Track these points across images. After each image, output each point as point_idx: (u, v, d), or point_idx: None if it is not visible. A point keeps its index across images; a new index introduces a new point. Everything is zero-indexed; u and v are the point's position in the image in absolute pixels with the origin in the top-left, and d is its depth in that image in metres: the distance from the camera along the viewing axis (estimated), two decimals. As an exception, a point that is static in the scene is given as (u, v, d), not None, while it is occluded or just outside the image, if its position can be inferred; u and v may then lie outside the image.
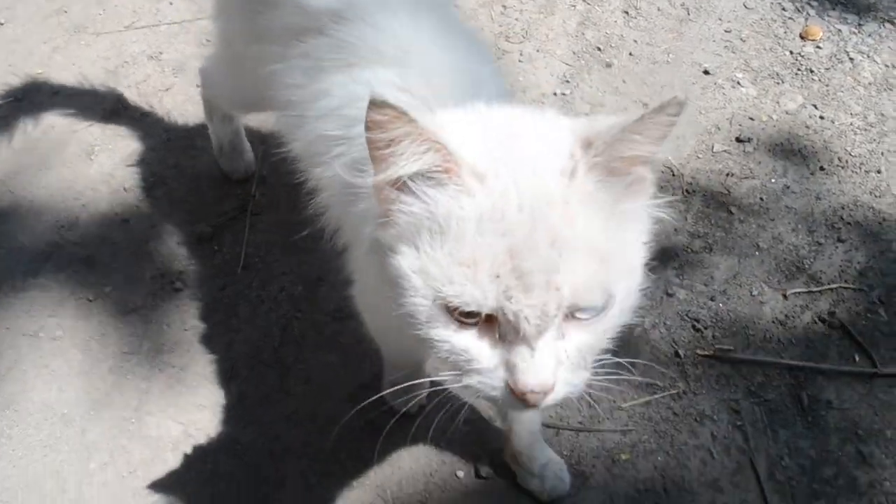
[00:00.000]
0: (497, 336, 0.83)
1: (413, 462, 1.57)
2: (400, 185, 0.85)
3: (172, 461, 1.58)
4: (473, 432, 1.58)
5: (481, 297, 0.81)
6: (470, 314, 0.82)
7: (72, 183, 1.97)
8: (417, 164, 0.82)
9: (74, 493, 1.55)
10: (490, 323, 0.83)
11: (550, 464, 1.53)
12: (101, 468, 1.57)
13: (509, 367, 0.83)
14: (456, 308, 0.82)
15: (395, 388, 1.45)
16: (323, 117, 1.15)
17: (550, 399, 0.85)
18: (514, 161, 0.84)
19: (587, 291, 0.82)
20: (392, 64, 1.14)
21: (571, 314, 0.84)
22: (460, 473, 1.57)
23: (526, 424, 1.48)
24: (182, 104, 2.11)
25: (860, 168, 2.05)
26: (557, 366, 0.84)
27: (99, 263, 1.84)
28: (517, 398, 0.83)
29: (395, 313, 0.87)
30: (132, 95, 2.13)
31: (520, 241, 0.80)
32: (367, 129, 0.81)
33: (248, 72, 1.40)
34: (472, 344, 0.84)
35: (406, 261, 0.84)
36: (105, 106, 2.11)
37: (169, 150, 2.03)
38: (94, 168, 1.99)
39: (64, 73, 2.18)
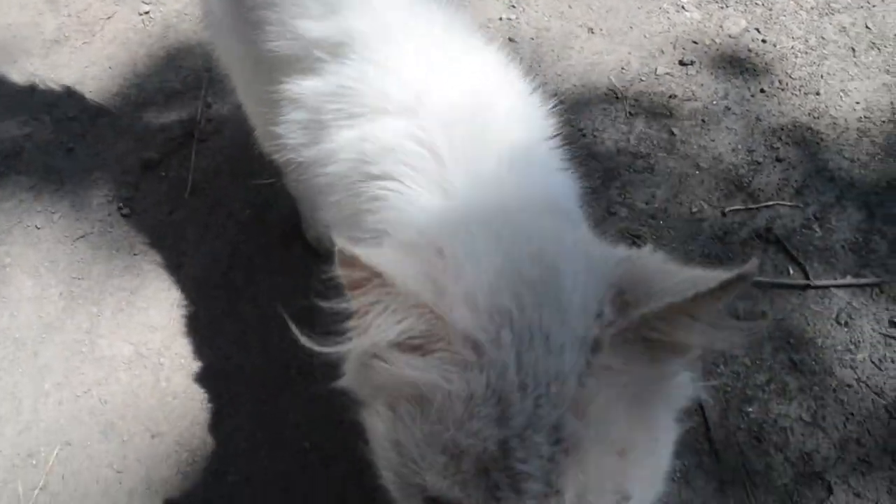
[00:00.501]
0: None
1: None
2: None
3: (125, 380, 1.61)
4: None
5: (463, 496, 0.67)
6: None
7: (16, 109, 1.94)
8: (395, 331, 0.68)
9: (30, 414, 1.57)
10: None
11: None
12: (55, 388, 1.60)
13: None
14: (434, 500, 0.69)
15: None
16: (332, 185, 0.98)
17: None
18: (523, 322, 0.67)
19: (597, 496, 0.67)
20: (403, 112, 0.95)
21: None
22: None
23: None
24: (124, 32, 2.09)
25: (800, 90, 2.09)
26: None
27: (45, 192, 1.84)
28: None
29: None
30: (73, 24, 2.09)
31: (517, 432, 0.65)
32: (341, 284, 0.68)
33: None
34: None
35: (381, 425, 0.73)
36: (45, 36, 2.07)
37: (112, 78, 2.01)
38: (35, 98, 1.97)
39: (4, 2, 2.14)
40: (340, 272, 0.67)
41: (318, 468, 1.54)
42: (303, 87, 1.02)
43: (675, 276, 0.69)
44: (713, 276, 0.65)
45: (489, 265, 0.71)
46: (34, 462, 1.53)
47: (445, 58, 1.00)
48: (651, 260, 0.72)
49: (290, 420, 1.59)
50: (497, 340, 0.67)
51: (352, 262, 0.65)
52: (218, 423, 1.57)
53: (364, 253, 0.65)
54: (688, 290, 0.64)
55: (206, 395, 1.60)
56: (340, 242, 0.65)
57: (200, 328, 1.67)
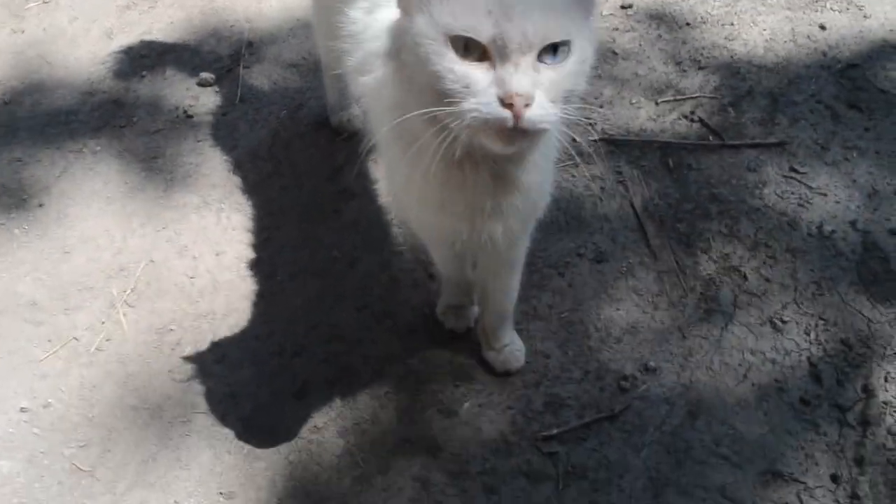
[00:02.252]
0: (488, 67, 1.03)
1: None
2: None
3: (195, 219, 2.09)
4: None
5: (478, 25, 1.00)
6: (468, 49, 1.02)
7: (97, 54, 2.50)
8: None
9: (121, 243, 2.05)
10: (483, 61, 1.03)
11: (511, 344, 1.78)
12: (140, 226, 2.08)
13: (498, 83, 1.01)
14: (459, 39, 1.02)
15: (447, 311, 1.84)
16: (372, 39, 1.31)
17: (531, 114, 1.02)
18: None
19: (552, 30, 1.02)
20: None
21: (542, 59, 1.03)
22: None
23: (497, 307, 1.74)
24: (181, 0, 2.66)
25: (718, 23, 2.64)
26: (535, 84, 1.01)
27: (126, 105, 2.36)
28: (506, 108, 1.00)
29: (412, 82, 1.09)
30: (140, -5, 2.68)
31: None
32: None
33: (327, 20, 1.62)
34: (471, 71, 1.03)
35: (420, 19, 1.05)
36: (118, 3, 2.66)
37: (173, 29, 2.57)
38: (114, 44, 2.52)
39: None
40: None
41: (345, 268, 2.01)
42: None
43: None
44: None
45: None
46: (125, 273, 1.99)
47: None
48: None
49: (325, 240, 2.06)
50: None
51: None
52: (267, 242, 2.04)
53: None
54: None
55: (258, 226, 2.08)
56: None
57: (251, 184, 2.16)
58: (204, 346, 1.85)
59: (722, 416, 1.75)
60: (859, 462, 1.68)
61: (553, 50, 1.04)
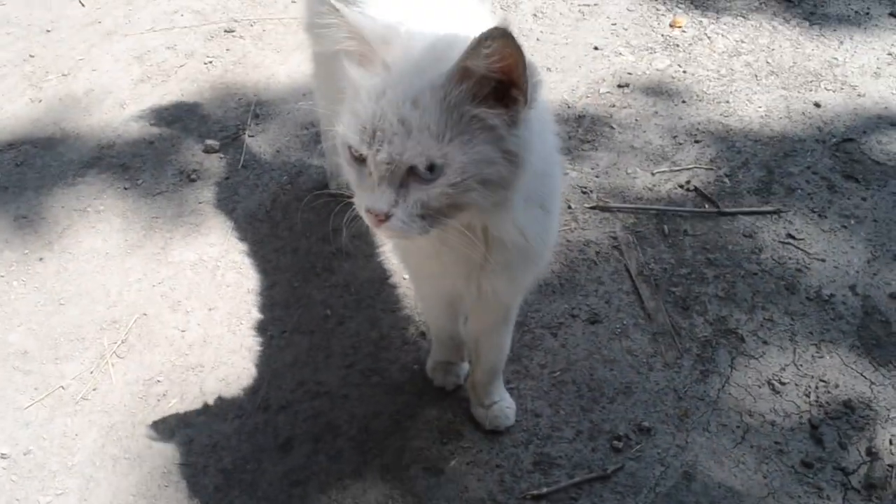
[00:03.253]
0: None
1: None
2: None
3: (190, 275, 2.10)
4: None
5: (357, 142, 1.12)
6: (360, 157, 1.14)
7: (109, 122, 2.58)
8: (343, 43, 1.16)
9: (116, 297, 2.06)
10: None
11: (501, 401, 1.76)
12: (136, 282, 2.09)
13: (364, 196, 1.15)
14: (349, 147, 1.14)
15: (436, 367, 1.84)
16: None
17: (388, 226, 1.13)
18: (414, 67, 1.11)
19: (418, 157, 1.09)
20: None
21: (414, 175, 1.11)
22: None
23: (488, 363, 1.72)
24: (193, 74, 2.77)
25: (713, 100, 2.70)
26: (393, 203, 1.12)
27: (132, 168, 2.42)
28: (367, 215, 1.15)
29: None
30: (154, 70, 2.79)
31: (384, 110, 1.09)
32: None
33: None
34: (356, 176, 1.17)
35: (347, 105, 1.18)
36: (132, 77, 2.77)
37: (183, 101, 2.66)
38: (126, 113, 2.61)
39: (100, 60, 2.86)
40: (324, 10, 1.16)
41: (335, 326, 2.00)
42: None
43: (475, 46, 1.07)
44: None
45: (419, 46, 1.16)
46: (117, 326, 1.99)
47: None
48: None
49: (317, 299, 2.06)
50: (398, 66, 1.11)
51: (333, 9, 1.14)
52: (260, 299, 2.05)
53: (342, 7, 1.14)
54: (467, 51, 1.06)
55: (251, 283, 2.09)
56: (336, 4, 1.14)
57: (248, 244, 2.18)
58: (190, 398, 1.83)
59: (719, 479, 1.69)
60: (864, 527, 1.60)
61: (430, 168, 1.11)
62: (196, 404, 1.82)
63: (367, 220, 1.15)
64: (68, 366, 1.91)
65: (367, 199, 1.14)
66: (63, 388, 1.86)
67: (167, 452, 1.74)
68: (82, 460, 1.73)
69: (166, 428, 1.78)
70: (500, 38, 1.03)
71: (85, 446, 1.76)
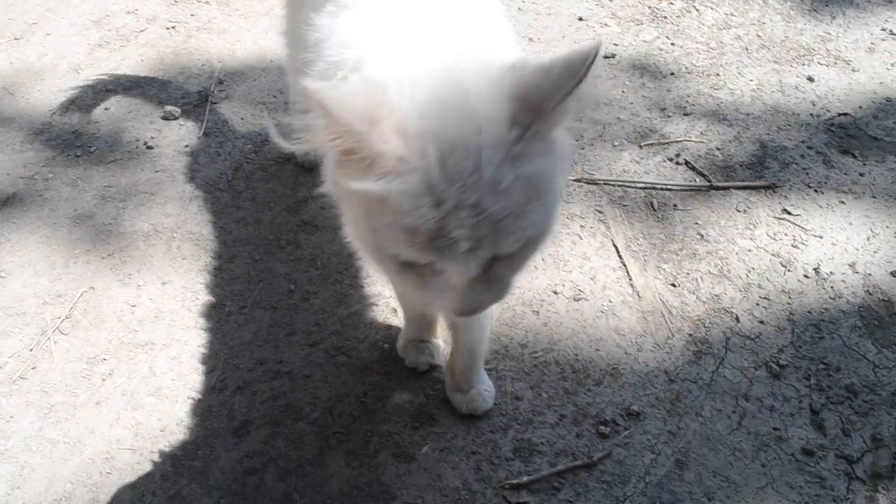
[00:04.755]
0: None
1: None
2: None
3: (143, 247, 1.94)
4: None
5: (420, 257, 0.93)
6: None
7: (62, 87, 2.41)
8: (330, 144, 0.90)
9: (62, 269, 1.89)
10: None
11: (480, 384, 1.60)
12: (84, 253, 1.92)
13: (447, 297, 0.98)
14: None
15: (407, 345, 1.66)
16: (334, 46, 1.21)
17: (484, 310, 1.04)
18: (445, 137, 0.88)
19: (508, 246, 0.93)
20: None
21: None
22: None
23: (467, 349, 1.56)
24: (154, 39, 2.60)
25: (703, 73, 2.57)
26: (482, 294, 0.98)
27: (84, 135, 2.25)
28: (458, 313, 1.01)
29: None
30: (112, 35, 2.61)
31: (450, 210, 0.88)
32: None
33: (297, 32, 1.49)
34: (415, 280, 0.99)
35: (361, 218, 0.96)
36: (89, 41, 2.59)
37: (143, 67, 2.49)
38: (80, 78, 2.44)
39: (55, 24, 2.67)
40: (302, 101, 0.89)
41: (300, 302, 1.84)
42: None
43: (551, 71, 0.89)
44: (579, 58, 0.87)
45: (419, 98, 0.91)
46: (62, 300, 1.82)
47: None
48: (528, 65, 0.91)
49: (280, 273, 1.90)
50: (423, 153, 0.87)
51: (306, 93, 0.86)
52: (219, 272, 1.89)
53: (312, 85, 0.86)
54: (570, 81, 0.87)
55: (209, 256, 1.92)
56: (305, 81, 0.87)
57: (207, 215, 2.02)
58: (138, 377, 1.67)
59: (714, 467, 1.56)
60: (870, 518, 1.48)
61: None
62: (145, 384, 1.66)
63: (453, 313, 1.02)
64: (5, 342, 1.74)
65: (459, 302, 0.98)
66: (-1, 366, 1.69)
67: (111, 436, 1.57)
68: (16, 444, 1.57)
69: (111, 410, 1.62)
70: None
71: (21, 429, 1.59)
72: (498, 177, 0.89)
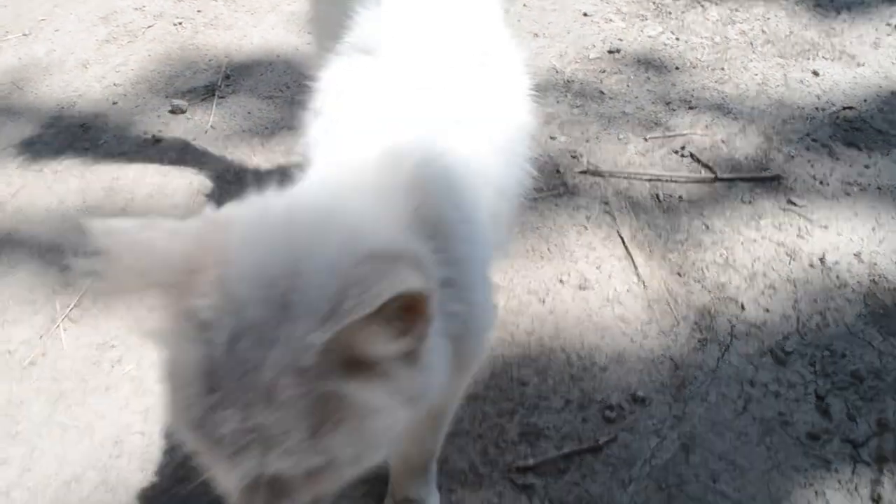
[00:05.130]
0: None
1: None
2: None
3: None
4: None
5: (189, 442, 0.78)
6: None
7: (70, 82, 2.43)
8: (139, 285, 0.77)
9: (70, 259, 1.91)
10: None
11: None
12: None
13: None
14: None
15: None
16: None
17: None
18: (246, 313, 0.73)
19: (287, 468, 0.75)
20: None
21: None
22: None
23: (408, 456, 1.36)
24: (161, 35, 2.62)
25: (707, 67, 2.59)
26: None
27: (93, 128, 2.27)
28: None
29: None
30: (120, 31, 2.64)
31: (216, 404, 0.73)
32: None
33: None
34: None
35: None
36: (97, 37, 2.61)
37: (150, 61, 2.51)
38: (88, 73, 2.46)
39: (63, 20, 2.70)
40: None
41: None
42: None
43: (362, 286, 0.69)
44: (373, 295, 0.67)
45: (253, 255, 0.75)
46: (71, 289, 1.84)
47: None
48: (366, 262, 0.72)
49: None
50: (219, 325, 0.72)
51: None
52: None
53: (99, 227, 0.74)
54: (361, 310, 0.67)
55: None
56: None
57: (215, 205, 2.03)
58: (147, 364, 1.68)
59: (720, 451, 1.56)
60: (876, 501, 1.48)
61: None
62: (153, 371, 1.66)
63: None
64: (16, 330, 1.76)
65: None
66: (10, 352, 1.71)
67: (120, 421, 1.59)
68: (27, 428, 1.58)
69: (120, 395, 1.63)
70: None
71: (32, 414, 1.61)
72: (280, 385, 0.72)
